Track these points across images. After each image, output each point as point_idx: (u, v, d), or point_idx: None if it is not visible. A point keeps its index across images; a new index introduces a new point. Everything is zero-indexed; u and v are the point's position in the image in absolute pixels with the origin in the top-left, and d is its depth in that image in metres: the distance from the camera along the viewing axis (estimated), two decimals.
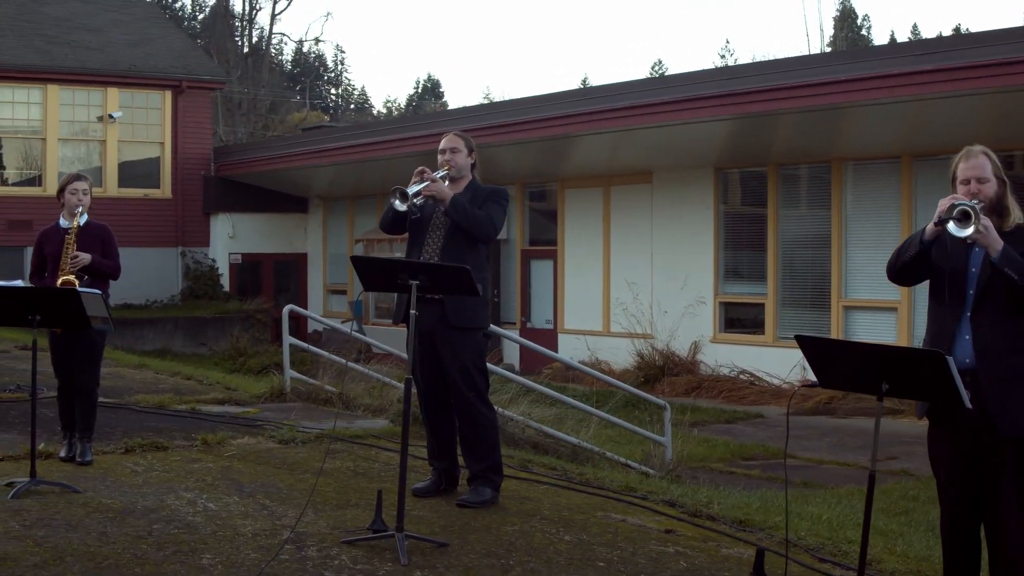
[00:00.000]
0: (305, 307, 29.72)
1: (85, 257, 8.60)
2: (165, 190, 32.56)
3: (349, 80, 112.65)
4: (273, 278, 34.68)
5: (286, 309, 13.60)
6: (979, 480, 5.71)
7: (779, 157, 21.86)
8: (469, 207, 7.87)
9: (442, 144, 8.24)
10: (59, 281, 8.44)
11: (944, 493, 5.87)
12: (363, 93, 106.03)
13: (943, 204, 5.56)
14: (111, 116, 31.34)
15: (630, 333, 23.75)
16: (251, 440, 9.95)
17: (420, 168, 7.96)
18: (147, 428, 10.45)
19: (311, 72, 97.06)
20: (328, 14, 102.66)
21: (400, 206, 7.76)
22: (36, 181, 30.90)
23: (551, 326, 27.19)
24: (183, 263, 32.87)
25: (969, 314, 5.66)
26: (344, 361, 13.01)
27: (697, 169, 23.44)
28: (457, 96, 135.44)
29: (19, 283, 7.99)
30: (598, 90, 23.53)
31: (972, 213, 5.42)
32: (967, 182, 5.75)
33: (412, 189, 7.82)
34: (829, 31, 76.77)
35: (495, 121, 25.33)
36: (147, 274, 32.08)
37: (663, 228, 24.22)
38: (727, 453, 15.48)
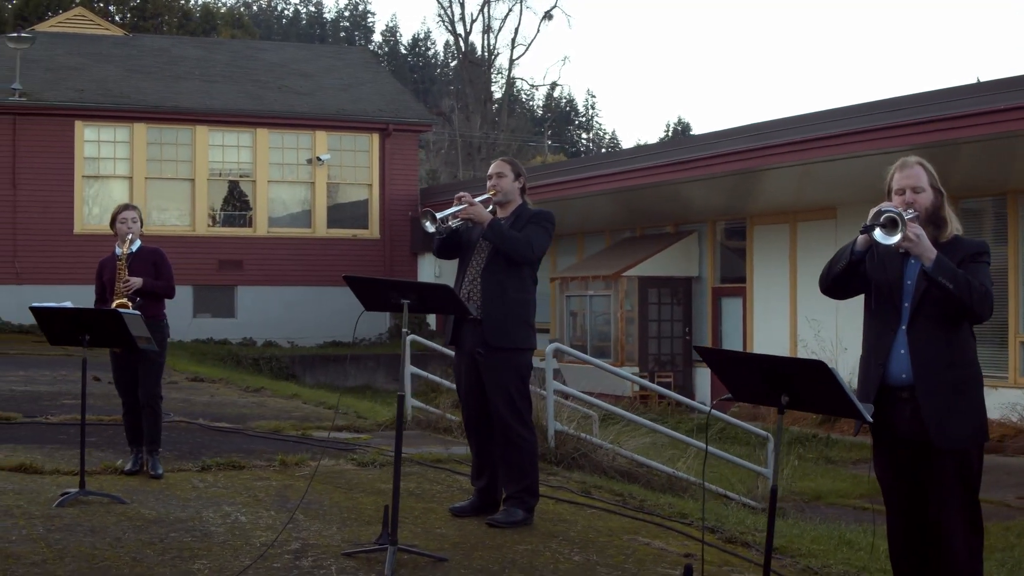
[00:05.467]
0: None
1: (136, 281, 9.06)
2: (373, 231, 33.38)
3: (600, 125, 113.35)
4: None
5: (408, 339, 13.84)
6: (923, 493, 5.56)
7: (955, 190, 21.17)
8: (507, 230, 7.95)
9: (489, 170, 8.36)
10: (113, 304, 8.88)
11: (889, 510, 5.74)
12: (614, 137, 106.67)
13: (872, 212, 5.46)
14: (319, 159, 32.36)
15: None
16: (331, 462, 10.20)
17: (460, 193, 8.12)
18: (240, 450, 10.81)
19: (562, 117, 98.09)
20: (565, 58, 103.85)
21: (430, 227, 7.93)
22: (247, 222, 32.10)
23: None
24: None
25: (904, 327, 5.52)
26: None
27: (878, 203, 22.87)
28: None
29: (68, 304, 8.42)
30: (780, 123, 23.22)
31: (899, 220, 5.30)
32: (902, 192, 5.66)
33: (444, 213, 7.99)
34: None
35: (682, 157, 25.24)
36: (355, 312, 32.80)
37: None
38: (871, 490, 15.02)
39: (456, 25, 66.00)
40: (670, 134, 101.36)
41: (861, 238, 5.52)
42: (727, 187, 25.34)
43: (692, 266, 28.28)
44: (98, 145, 30.51)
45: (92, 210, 30.49)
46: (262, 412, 14.27)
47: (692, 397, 25.66)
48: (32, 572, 6.26)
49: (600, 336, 28.80)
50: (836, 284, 5.69)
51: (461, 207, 7.98)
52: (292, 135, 32.44)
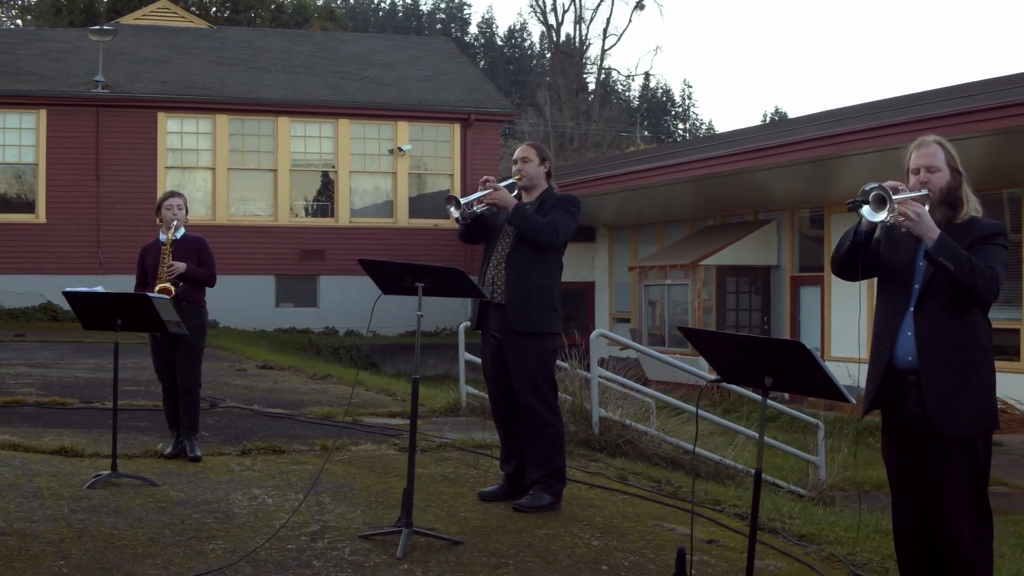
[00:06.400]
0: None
1: (180, 266, 9.17)
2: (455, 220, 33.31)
3: (696, 114, 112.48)
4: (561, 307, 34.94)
5: (461, 327, 13.88)
6: (928, 480, 5.47)
7: None
8: (531, 214, 7.94)
9: (515, 155, 8.36)
10: (157, 288, 9.01)
11: (894, 493, 5.66)
12: (710, 127, 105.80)
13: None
14: (401, 149, 32.46)
15: None
16: (372, 447, 10.26)
17: (485, 177, 8.13)
18: (286, 435, 10.91)
19: (659, 107, 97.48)
20: (657, 48, 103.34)
21: (454, 213, 7.97)
22: (329, 212, 32.28)
23: (818, 353, 26.53)
24: None
25: (912, 309, 5.43)
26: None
27: None
28: None
29: (100, 289, 8.56)
30: (858, 109, 22.95)
31: (886, 197, 5.20)
32: (917, 171, 5.54)
33: (469, 198, 8.01)
34: None
35: (761, 144, 25.02)
36: (437, 302, 32.50)
37: None
38: None
39: (548, 16, 66.10)
40: (766, 123, 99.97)
41: (864, 218, 5.42)
42: (806, 174, 25.06)
43: (771, 255, 28.01)
44: (181, 136, 30.88)
45: None
46: (320, 399, 14.35)
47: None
48: (47, 550, 6.37)
49: (678, 325, 28.63)
50: (844, 265, 5.60)
51: (486, 192, 8.00)
52: (374, 126, 32.57)
